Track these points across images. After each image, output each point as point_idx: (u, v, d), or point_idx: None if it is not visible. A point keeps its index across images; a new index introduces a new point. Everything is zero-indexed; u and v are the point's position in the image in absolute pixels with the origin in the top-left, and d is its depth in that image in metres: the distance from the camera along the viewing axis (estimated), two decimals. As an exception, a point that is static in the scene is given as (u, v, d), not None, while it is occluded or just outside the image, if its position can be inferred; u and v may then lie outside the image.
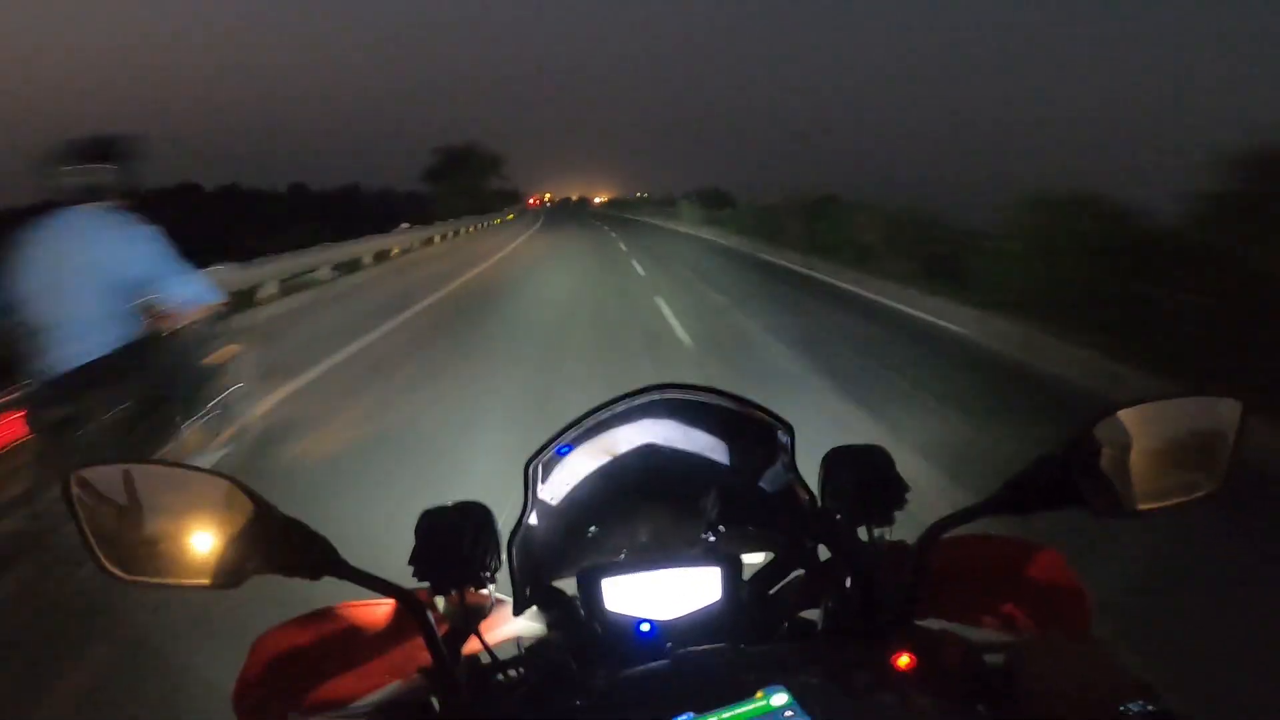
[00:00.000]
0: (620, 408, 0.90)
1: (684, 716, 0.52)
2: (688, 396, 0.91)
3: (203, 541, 0.63)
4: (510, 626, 0.83)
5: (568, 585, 0.86)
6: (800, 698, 0.52)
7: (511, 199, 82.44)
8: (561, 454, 0.91)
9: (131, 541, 0.63)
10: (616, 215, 62.27)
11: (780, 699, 0.52)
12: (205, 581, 0.63)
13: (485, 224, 36.70)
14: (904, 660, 0.67)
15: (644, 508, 0.89)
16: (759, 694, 0.53)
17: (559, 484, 0.91)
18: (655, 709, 0.53)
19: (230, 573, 0.63)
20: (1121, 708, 0.54)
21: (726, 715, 0.52)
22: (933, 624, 0.76)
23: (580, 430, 0.89)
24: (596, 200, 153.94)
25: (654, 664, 0.64)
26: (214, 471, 0.65)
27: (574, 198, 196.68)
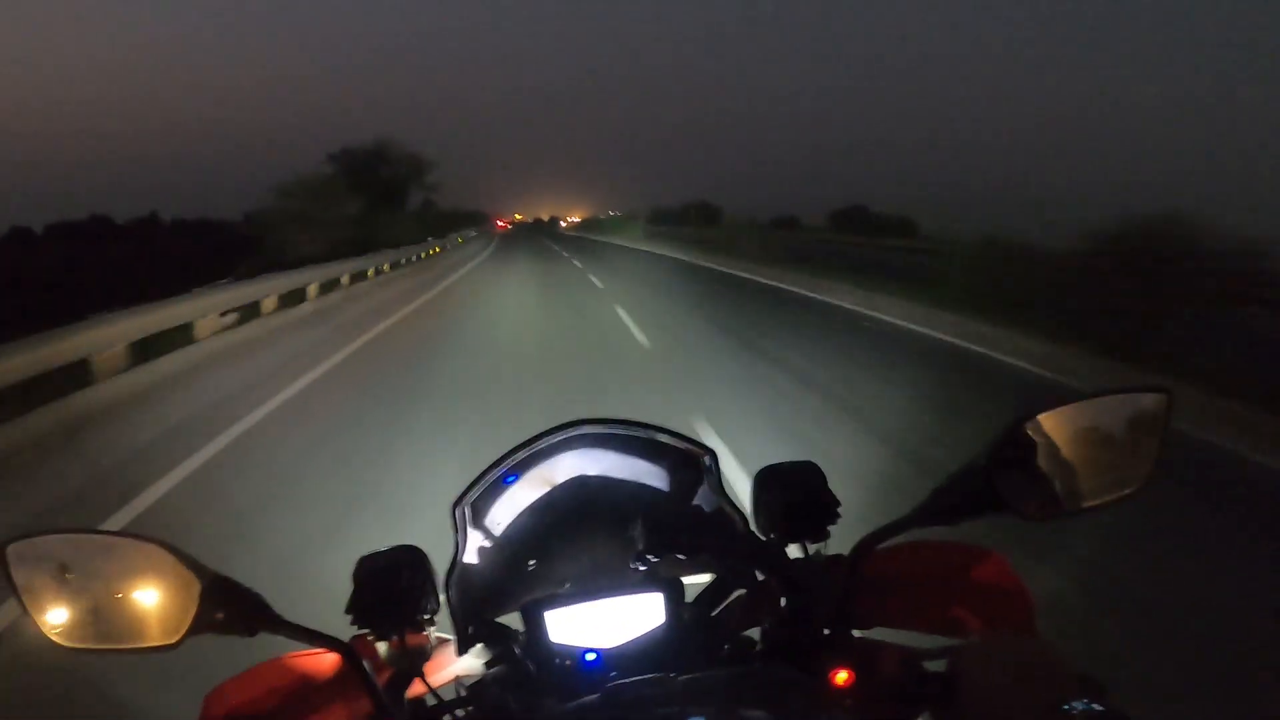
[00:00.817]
0: (543, 444, 0.90)
1: None
2: (607, 430, 0.92)
3: (139, 605, 0.64)
4: (456, 666, 0.83)
5: (513, 621, 0.86)
6: None
7: (472, 220, 77.12)
8: (500, 486, 0.91)
9: (71, 609, 0.64)
10: (581, 238, 59.97)
11: None
12: (145, 644, 0.64)
13: (406, 259, 23.38)
14: (841, 676, 0.67)
15: (581, 538, 0.90)
16: None
17: (494, 521, 0.92)
18: None
19: (168, 635, 0.63)
20: (1065, 706, 0.54)
21: None
22: (878, 634, 0.76)
23: (505, 467, 0.90)
24: (566, 221, 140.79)
25: (586, 699, 0.64)
26: (143, 536, 0.66)
27: (545, 218, 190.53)
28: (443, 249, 32.17)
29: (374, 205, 36.11)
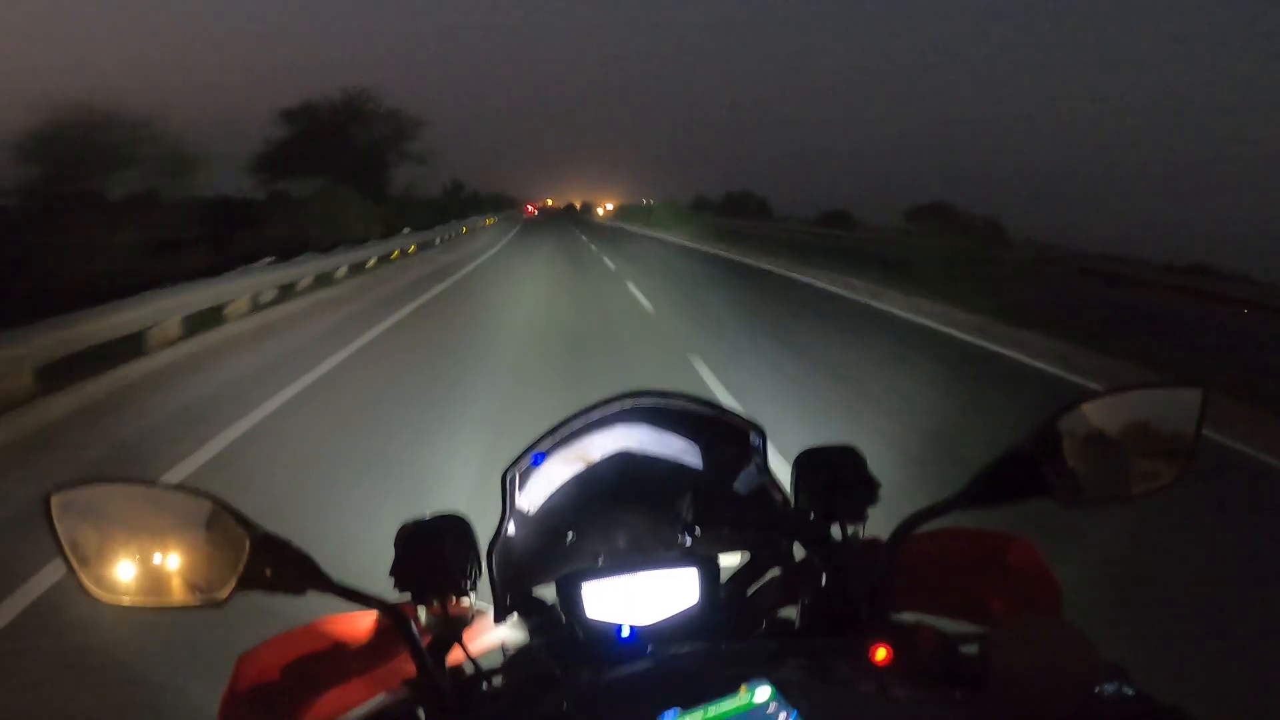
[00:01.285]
0: (594, 415, 0.91)
1: (670, 713, 0.52)
2: (659, 403, 0.93)
3: (186, 561, 0.64)
4: (493, 635, 0.84)
5: (548, 593, 0.87)
6: (784, 691, 0.53)
7: (499, 204, 74.83)
8: (537, 463, 0.92)
9: (113, 562, 0.63)
10: (620, 229, 47.81)
11: (764, 693, 0.53)
12: (190, 601, 0.63)
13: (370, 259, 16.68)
14: (881, 653, 0.68)
15: (620, 513, 0.90)
16: (743, 689, 0.54)
17: (536, 493, 0.93)
18: (640, 708, 0.54)
19: (214, 592, 0.63)
20: (1096, 689, 0.55)
21: (712, 711, 0.52)
22: (909, 617, 0.77)
23: (555, 438, 0.91)
24: (603, 209, 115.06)
25: (637, 665, 0.65)
26: (196, 490, 0.66)
27: (576, 204, 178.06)
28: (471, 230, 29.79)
29: (342, 181, 26.62)
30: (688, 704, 0.53)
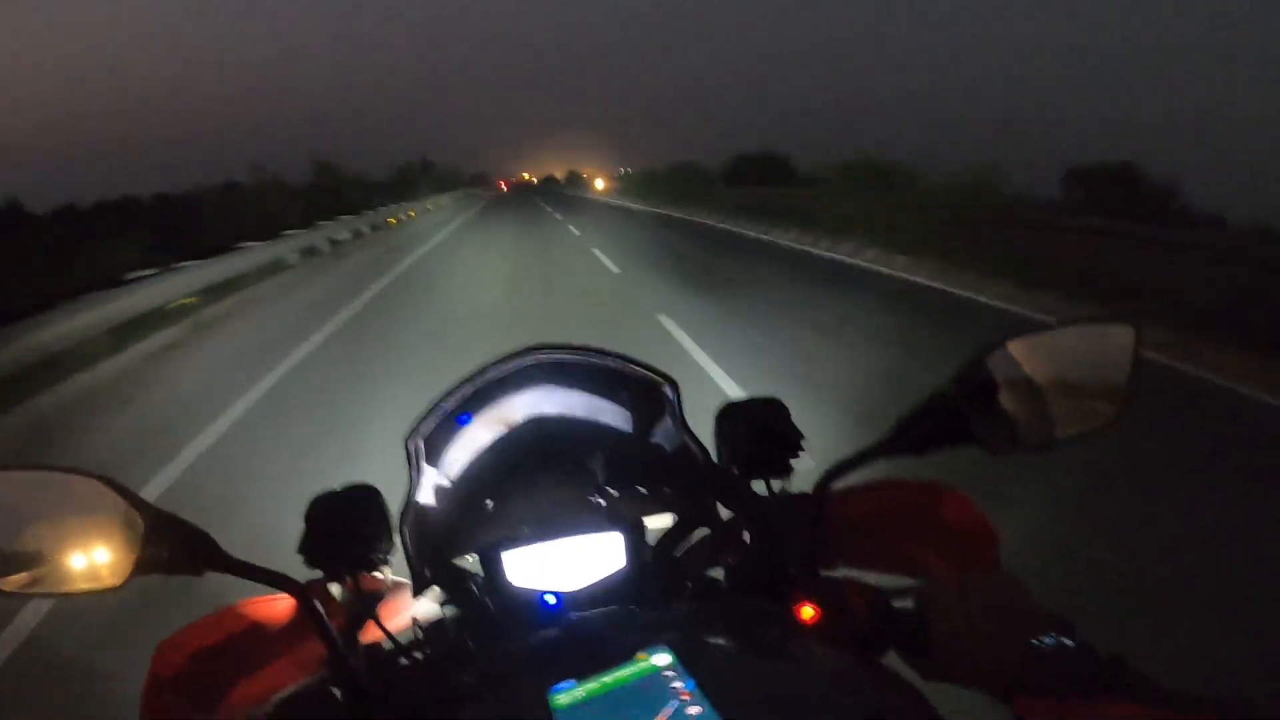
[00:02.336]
0: (494, 374, 0.88)
1: (566, 683, 0.51)
2: (564, 358, 0.90)
3: (79, 546, 0.61)
4: (412, 609, 0.82)
5: (471, 562, 0.85)
6: (683, 657, 0.51)
7: (473, 182, 71.34)
8: (456, 425, 0.89)
9: (4, 551, 0.60)
10: (627, 211, 32.34)
11: (663, 659, 0.51)
12: (86, 587, 0.61)
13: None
14: (808, 612, 0.66)
15: (540, 478, 0.88)
16: (641, 655, 0.52)
17: (451, 461, 0.90)
18: (542, 677, 0.52)
19: (111, 576, 0.60)
20: (1034, 641, 0.53)
21: (608, 679, 0.51)
22: (842, 574, 0.75)
23: (458, 399, 0.88)
24: (605, 182, 78.25)
25: (545, 633, 0.63)
26: (84, 471, 0.62)
27: (559, 175, 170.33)
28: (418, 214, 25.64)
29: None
30: (586, 672, 0.51)
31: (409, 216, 27.49)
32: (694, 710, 0.46)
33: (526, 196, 57.67)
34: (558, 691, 0.50)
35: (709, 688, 0.48)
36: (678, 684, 0.49)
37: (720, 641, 0.58)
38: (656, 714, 0.47)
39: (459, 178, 66.13)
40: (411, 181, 47.49)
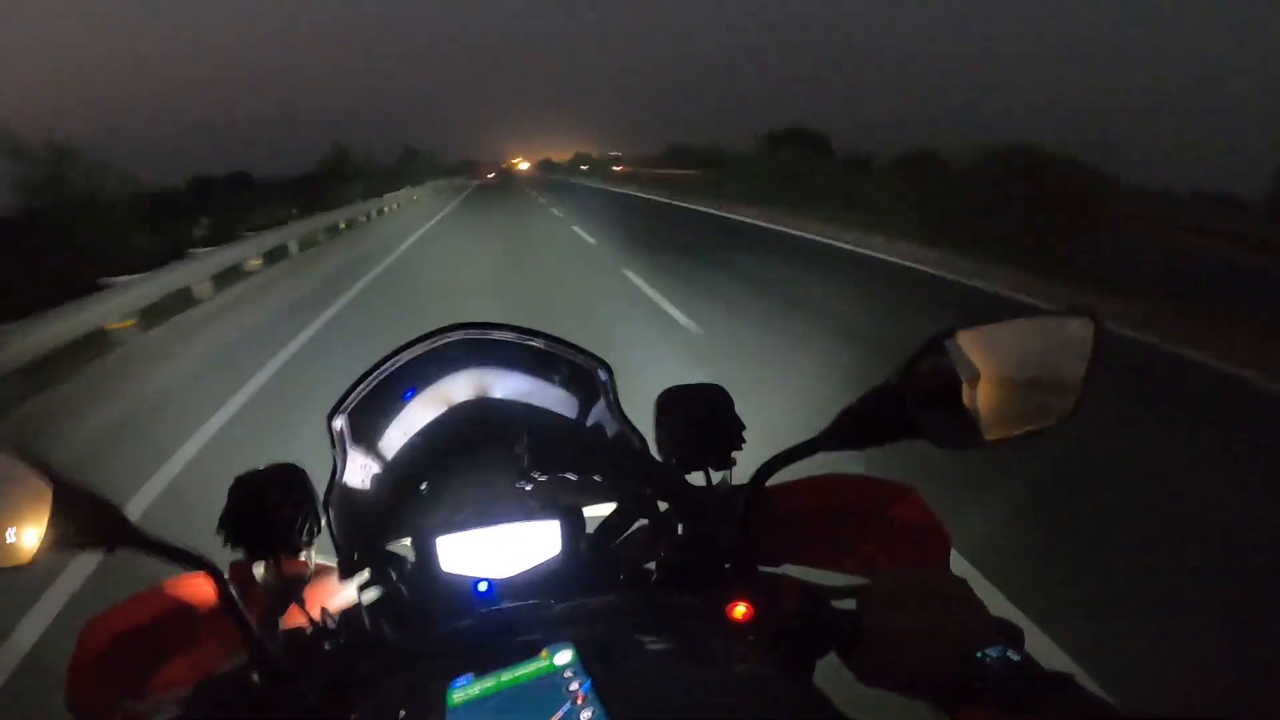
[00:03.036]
0: (418, 349, 0.85)
1: (463, 679, 0.48)
2: (491, 335, 0.87)
3: None
4: (337, 594, 0.79)
5: (404, 548, 0.82)
6: (585, 655, 0.48)
7: (455, 171, 66.55)
8: (391, 406, 0.87)
9: None
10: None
11: (564, 657, 0.49)
12: None
13: None
14: (739, 610, 0.64)
15: (475, 462, 0.86)
16: (544, 652, 0.49)
17: (383, 442, 0.87)
18: (441, 670, 0.50)
19: (20, 553, 0.58)
20: (980, 654, 0.51)
21: (505, 676, 0.48)
22: (787, 571, 0.73)
23: (381, 377, 0.85)
24: (621, 166, 73.12)
25: (460, 624, 0.61)
26: None
27: (556, 160, 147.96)
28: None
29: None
30: (487, 667, 0.49)
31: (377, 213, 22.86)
32: (586, 715, 0.44)
33: (505, 187, 48.86)
34: (455, 687, 0.48)
35: (605, 690, 0.45)
36: (574, 684, 0.46)
37: (635, 639, 0.55)
38: (548, 716, 0.44)
39: (437, 167, 60.84)
40: (423, 167, 45.70)
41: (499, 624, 0.59)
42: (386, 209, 24.26)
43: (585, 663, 0.48)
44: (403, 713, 0.49)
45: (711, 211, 20.60)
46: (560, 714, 0.44)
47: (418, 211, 25.12)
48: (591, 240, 12.76)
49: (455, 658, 0.53)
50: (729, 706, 0.47)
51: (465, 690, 0.48)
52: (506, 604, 0.65)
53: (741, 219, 17.88)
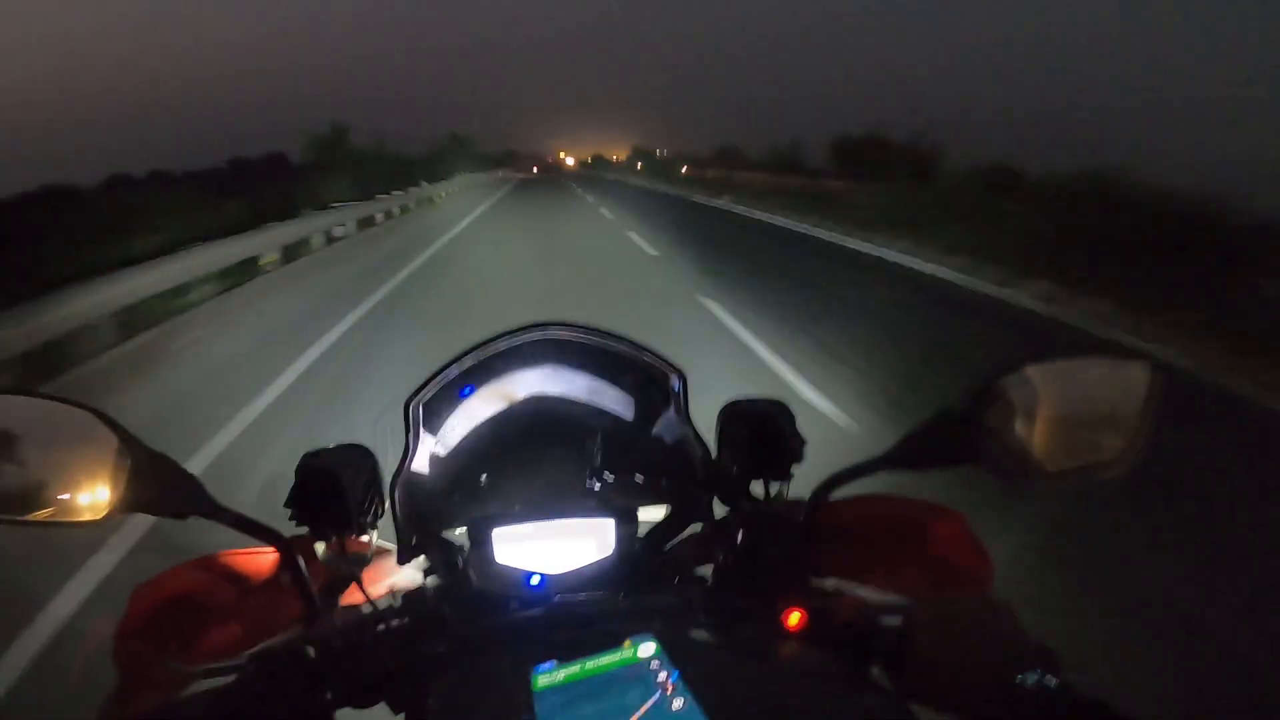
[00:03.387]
0: (504, 344, 0.87)
1: (547, 664, 0.50)
2: (575, 337, 0.89)
3: (64, 476, 0.60)
4: (395, 576, 0.81)
5: (459, 536, 0.84)
6: (669, 648, 0.50)
7: (500, 161, 67.54)
8: (458, 396, 0.88)
9: None
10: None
11: (648, 649, 0.51)
12: (68, 519, 0.60)
13: None
14: (794, 618, 0.65)
15: (535, 457, 0.87)
16: (626, 643, 0.51)
17: (449, 431, 0.89)
18: (520, 655, 0.52)
19: (94, 509, 0.60)
20: (1019, 678, 0.52)
21: (590, 664, 0.50)
22: (830, 583, 0.74)
23: (462, 369, 0.87)
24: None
25: (528, 612, 0.63)
26: (76, 402, 0.62)
27: (610, 157, 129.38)
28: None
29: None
30: (569, 655, 0.51)
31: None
32: (678, 703, 0.46)
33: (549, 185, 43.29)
34: (540, 672, 0.50)
35: (693, 681, 0.47)
36: (662, 675, 0.48)
37: (706, 637, 0.57)
38: (639, 704, 0.46)
39: (479, 156, 58.97)
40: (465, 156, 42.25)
41: (572, 614, 0.61)
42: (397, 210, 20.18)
43: (671, 654, 0.50)
44: (487, 694, 0.50)
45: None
46: (652, 702, 0.46)
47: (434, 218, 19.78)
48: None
49: (532, 643, 0.55)
50: (817, 702, 0.49)
51: (550, 675, 0.50)
52: (575, 596, 0.66)
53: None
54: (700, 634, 0.57)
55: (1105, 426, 0.66)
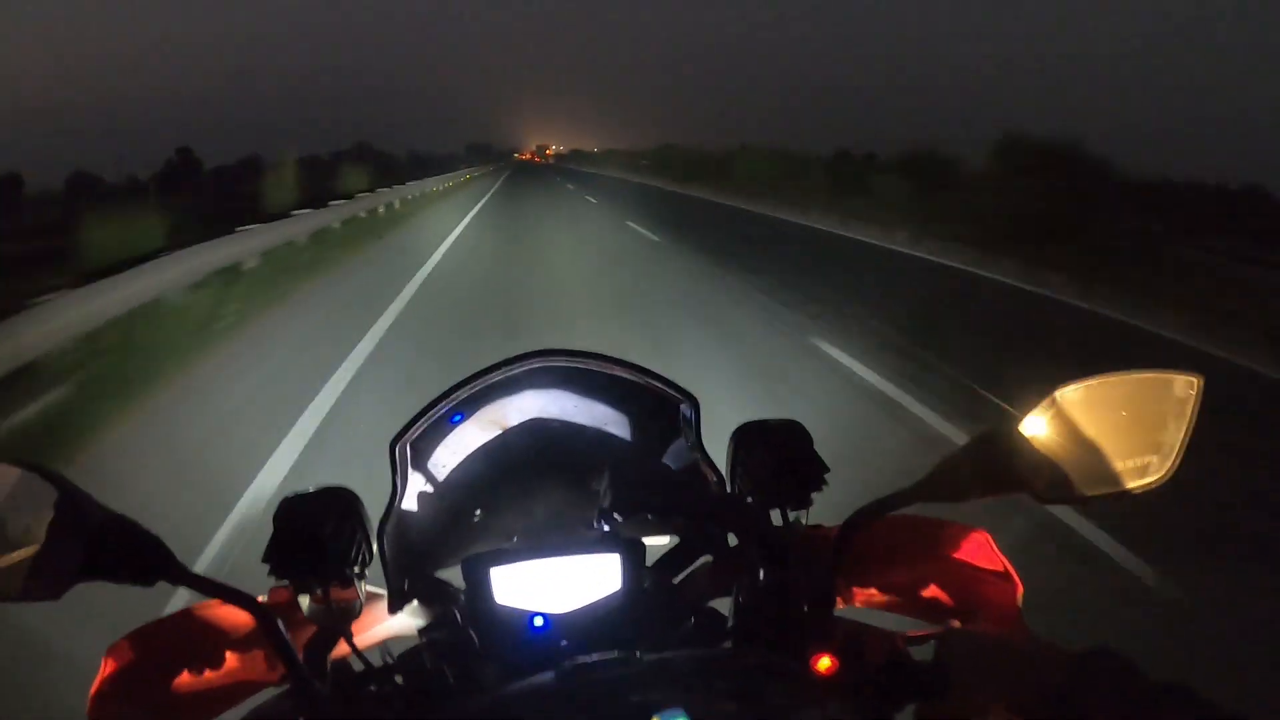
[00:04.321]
0: (498, 376, 0.82)
1: None
2: (577, 364, 0.83)
3: (19, 546, 0.55)
4: (387, 625, 0.76)
5: (454, 577, 0.78)
6: None
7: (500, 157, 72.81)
8: (447, 425, 0.83)
9: None
10: None
11: None
12: (18, 593, 0.55)
13: None
14: (824, 663, 0.61)
15: (535, 488, 0.82)
16: (654, 719, 0.46)
17: (439, 464, 0.83)
18: None
19: (44, 581, 0.55)
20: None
21: None
22: (853, 612, 0.71)
23: (454, 402, 0.81)
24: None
25: (539, 678, 0.57)
26: (28, 463, 0.57)
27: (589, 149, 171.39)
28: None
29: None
30: None
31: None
32: None
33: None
34: None
35: None
36: None
37: (739, 704, 0.52)
38: None
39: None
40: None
41: (587, 680, 0.55)
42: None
43: None
44: None
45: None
46: None
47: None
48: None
49: (546, 718, 0.51)
50: None
51: None
52: (572, 648, 0.62)
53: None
54: (727, 703, 0.53)
55: (1146, 440, 0.63)
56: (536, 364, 0.82)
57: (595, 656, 0.58)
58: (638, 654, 0.57)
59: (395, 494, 0.78)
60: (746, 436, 0.80)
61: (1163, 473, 0.63)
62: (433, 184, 27.85)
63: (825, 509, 0.79)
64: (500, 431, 0.85)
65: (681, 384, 0.84)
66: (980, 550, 0.72)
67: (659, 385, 0.84)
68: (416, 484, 0.82)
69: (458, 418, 0.83)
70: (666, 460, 0.86)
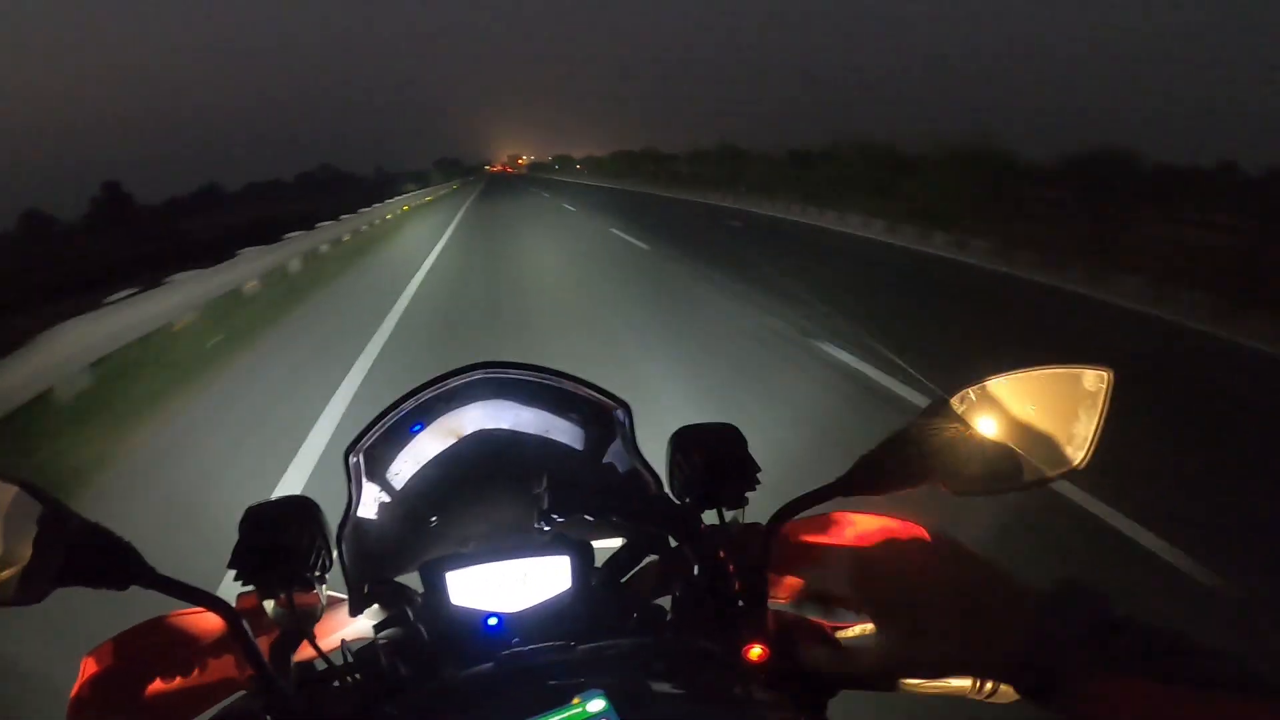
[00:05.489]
0: (439, 390, 0.86)
1: None
2: (517, 376, 0.88)
3: (1, 556, 0.58)
4: (348, 628, 0.79)
5: (413, 581, 0.82)
6: (618, 703, 0.49)
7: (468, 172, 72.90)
8: (402, 436, 0.87)
9: None
10: None
11: (597, 705, 0.49)
12: (2, 598, 0.57)
13: None
14: (756, 651, 0.64)
15: (485, 495, 0.86)
16: (576, 700, 0.50)
17: (395, 474, 0.87)
18: (472, 715, 0.51)
19: (26, 587, 0.57)
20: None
21: None
22: (792, 608, 0.73)
23: (401, 414, 0.85)
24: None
25: (481, 667, 0.61)
26: (7, 476, 0.59)
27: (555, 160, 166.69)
28: None
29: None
30: (519, 715, 0.49)
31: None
32: None
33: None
34: None
35: None
36: None
37: (661, 687, 0.55)
38: None
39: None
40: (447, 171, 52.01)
41: (523, 667, 0.59)
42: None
43: (619, 710, 0.48)
44: None
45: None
46: None
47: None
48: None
49: (482, 703, 0.54)
50: None
51: None
52: (523, 645, 0.65)
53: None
54: (657, 684, 0.56)
55: (1058, 433, 0.66)
56: (479, 375, 0.87)
57: (532, 646, 0.62)
58: (572, 644, 0.61)
59: (350, 502, 0.82)
60: (683, 440, 0.83)
61: (1075, 463, 0.65)
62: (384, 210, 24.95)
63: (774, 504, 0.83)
64: (453, 441, 0.89)
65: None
66: (919, 544, 0.72)
67: (593, 393, 0.88)
68: (374, 492, 0.85)
69: (417, 427, 0.87)
70: (607, 464, 0.90)
